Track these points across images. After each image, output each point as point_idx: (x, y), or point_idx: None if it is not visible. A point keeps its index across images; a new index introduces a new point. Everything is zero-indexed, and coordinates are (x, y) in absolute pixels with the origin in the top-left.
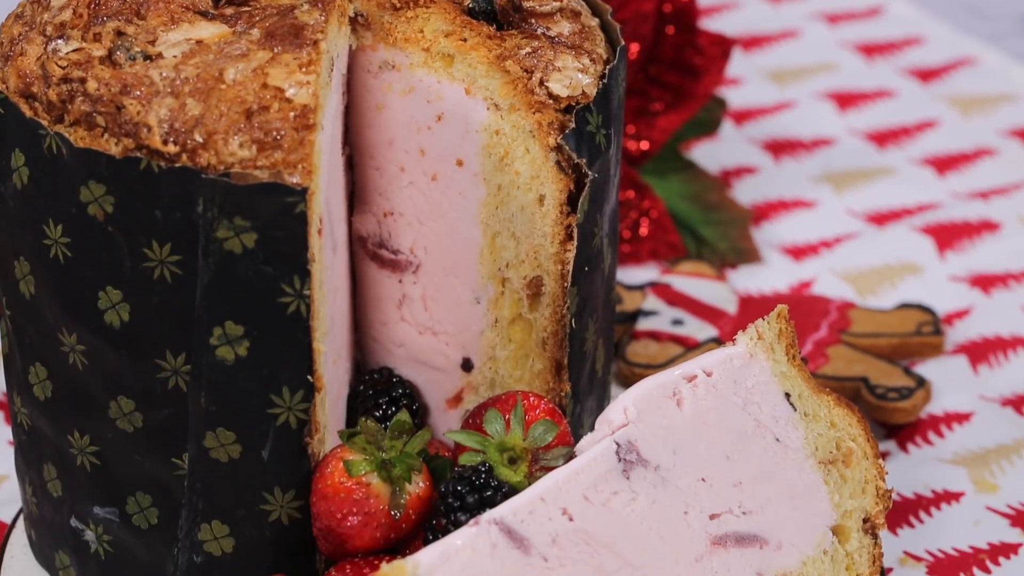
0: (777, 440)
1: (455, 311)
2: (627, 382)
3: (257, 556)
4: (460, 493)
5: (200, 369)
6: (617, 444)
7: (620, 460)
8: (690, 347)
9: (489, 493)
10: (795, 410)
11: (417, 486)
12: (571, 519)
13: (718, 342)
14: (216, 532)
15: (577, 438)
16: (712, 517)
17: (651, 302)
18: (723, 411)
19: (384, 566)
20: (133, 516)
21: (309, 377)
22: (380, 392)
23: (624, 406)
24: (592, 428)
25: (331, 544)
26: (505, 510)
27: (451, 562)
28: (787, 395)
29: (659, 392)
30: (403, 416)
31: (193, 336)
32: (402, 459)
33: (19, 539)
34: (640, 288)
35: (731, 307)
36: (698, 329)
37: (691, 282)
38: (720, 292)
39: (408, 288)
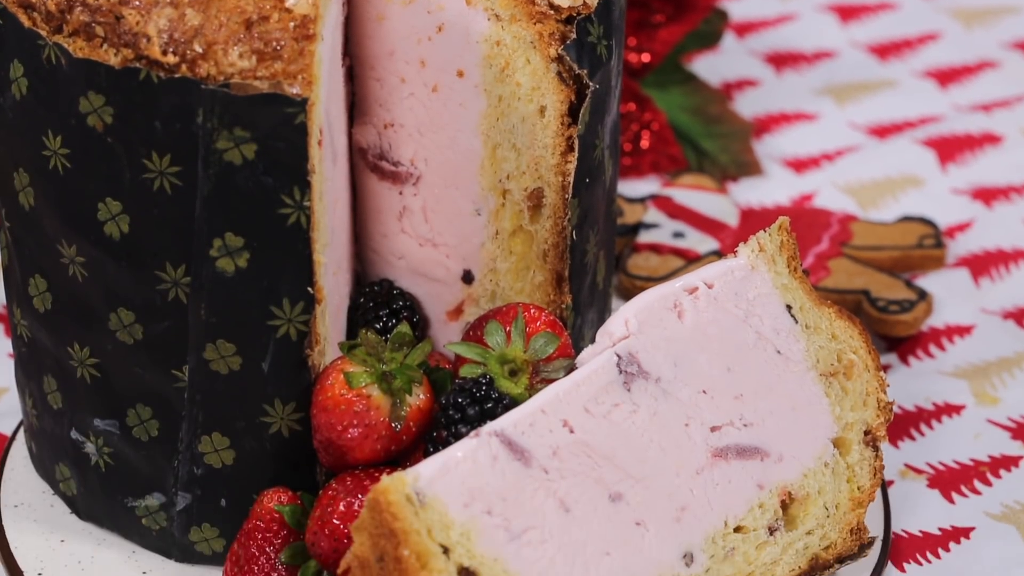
0: (778, 352)
1: (456, 223)
2: (628, 295)
3: (257, 468)
4: (461, 405)
5: (200, 281)
6: (618, 356)
7: (621, 372)
8: (691, 260)
9: (490, 405)
10: (796, 322)
11: (418, 398)
12: (572, 431)
13: (719, 255)
14: (216, 444)
15: (578, 350)
16: (713, 429)
17: (652, 215)
18: (724, 323)
19: (384, 478)
20: (133, 428)
21: (309, 289)
22: (380, 304)
23: (625, 318)
24: (593, 340)
25: (331, 456)
26: (506, 422)
27: (451, 474)
28: (788, 307)
29: (660, 304)
30: (403, 328)
31: (193, 248)
32: (402, 371)
33: (19, 451)
34: (641, 201)
35: (732, 220)
36: (699, 242)
37: (692, 195)
38: (721, 205)
39: (408, 200)
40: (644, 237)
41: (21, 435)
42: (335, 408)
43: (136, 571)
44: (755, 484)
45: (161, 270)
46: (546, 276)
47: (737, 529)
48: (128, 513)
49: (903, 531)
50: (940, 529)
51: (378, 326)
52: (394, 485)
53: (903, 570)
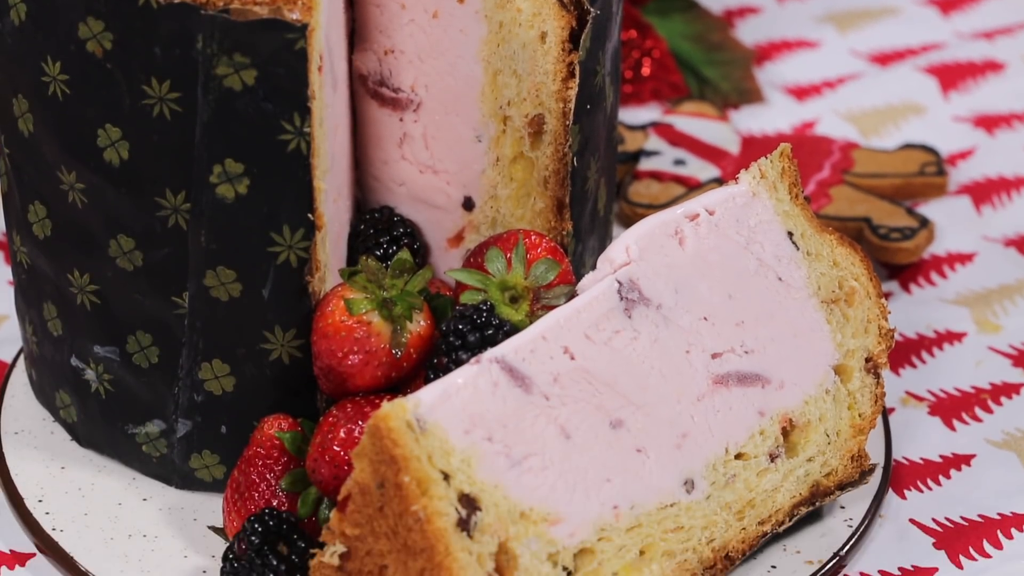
0: (779, 279)
1: (456, 149)
2: (628, 222)
3: (258, 395)
4: (461, 332)
5: (200, 207)
6: (619, 283)
7: (622, 299)
8: (692, 187)
9: (490, 332)
10: (798, 249)
11: (418, 324)
12: (573, 358)
13: (720, 182)
14: (217, 371)
15: (579, 277)
16: (714, 356)
17: (653, 142)
18: (725, 250)
19: (385, 405)
20: (133, 355)
21: (309, 215)
22: (381, 231)
23: (626, 244)
24: (594, 267)
25: (332, 383)
26: (506, 348)
27: (452, 400)
28: (790, 234)
29: (661, 230)
30: (404, 255)
31: (193, 174)
32: (403, 297)
33: (19, 379)
34: (642, 128)
35: (733, 147)
36: (700, 169)
37: (693, 122)
38: (722, 132)
39: (409, 126)
40: (645, 164)
41: (21, 362)
42: (335, 335)
43: (136, 498)
44: (756, 411)
45: (161, 196)
46: (547, 203)
47: (738, 456)
48: (128, 440)
49: (904, 458)
50: (941, 456)
51: (378, 253)
52: (394, 411)
53: (904, 497)
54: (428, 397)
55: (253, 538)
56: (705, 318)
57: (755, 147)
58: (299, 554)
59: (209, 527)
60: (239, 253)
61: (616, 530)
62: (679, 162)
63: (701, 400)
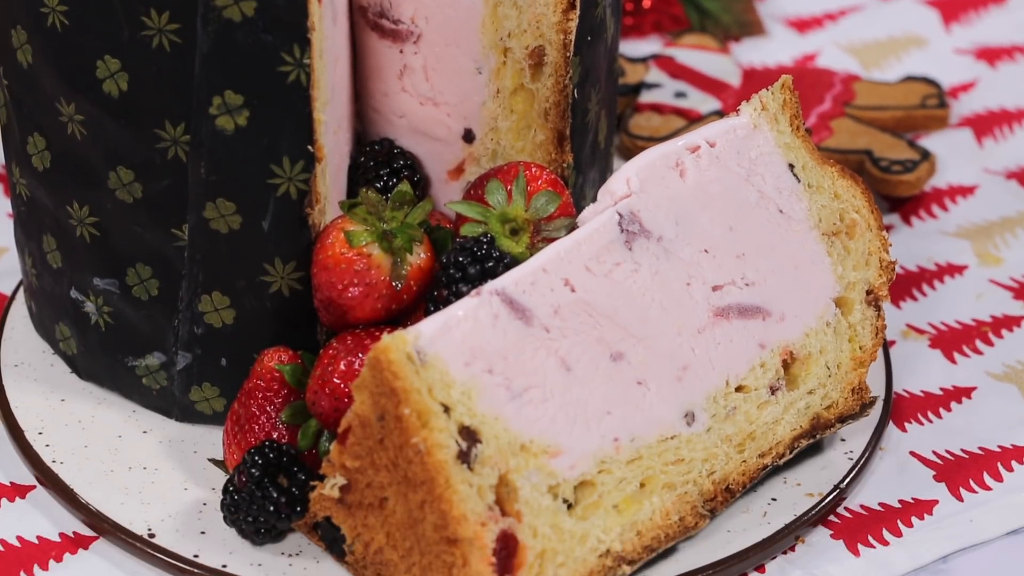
0: (780, 211)
1: (456, 81)
2: (629, 155)
3: (258, 328)
4: (462, 264)
5: (200, 139)
6: (619, 215)
7: (623, 231)
8: (693, 120)
9: (491, 264)
10: (799, 181)
11: (418, 257)
12: (573, 290)
13: (721, 115)
14: (216, 303)
15: (579, 210)
16: (715, 288)
17: (654, 75)
18: (726, 182)
19: (385, 336)
20: (133, 287)
21: (309, 147)
22: (381, 163)
23: (626, 176)
24: (594, 200)
25: (332, 315)
26: (507, 281)
27: (452, 332)
28: (791, 166)
29: (662, 163)
30: (404, 187)
31: (192, 106)
32: (403, 230)
33: (19, 311)
34: (643, 60)
35: (734, 80)
36: (701, 102)
37: (694, 55)
38: (723, 65)
39: (409, 58)
40: (646, 97)
41: (21, 295)
42: (335, 267)
43: (136, 431)
44: (756, 343)
45: (160, 128)
46: (547, 135)
47: (739, 388)
48: (128, 372)
49: (904, 391)
50: (941, 389)
51: (378, 185)
52: (394, 344)
53: (904, 430)
54: (428, 329)
55: (253, 470)
56: (706, 250)
57: (756, 79)
58: (299, 486)
59: (209, 459)
60: (239, 185)
61: (616, 462)
62: (680, 95)
63: (702, 332)
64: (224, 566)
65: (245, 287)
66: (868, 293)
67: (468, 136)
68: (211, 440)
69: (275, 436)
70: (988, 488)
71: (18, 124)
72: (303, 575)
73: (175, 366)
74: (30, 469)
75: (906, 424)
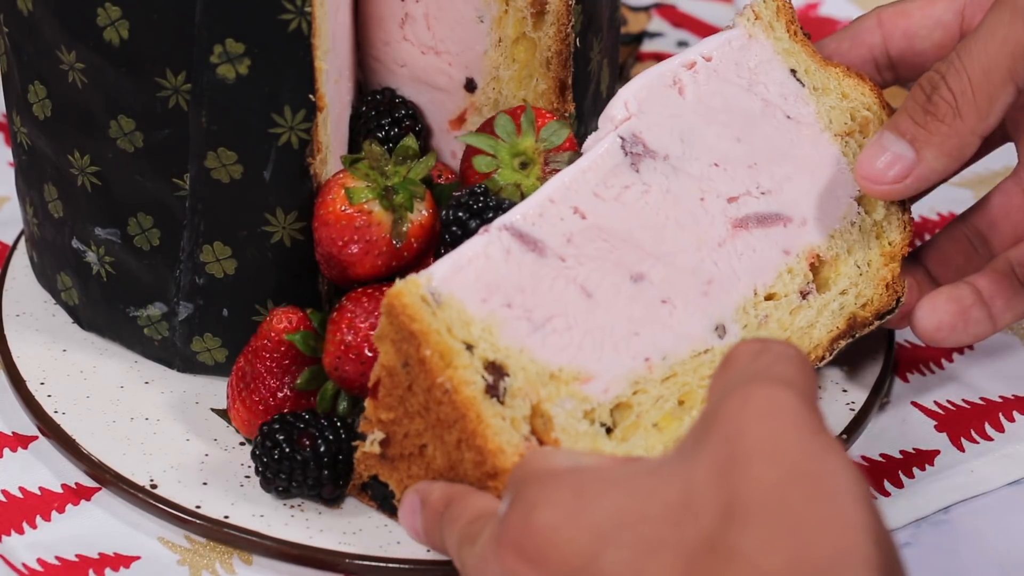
0: (788, 117)
1: (458, 30)
2: None
3: (259, 278)
4: (461, 220)
5: (201, 88)
6: (622, 138)
7: (627, 154)
8: None
9: (490, 215)
10: (803, 85)
11: (419, 214)
12: (584, 217)
13: None
14: (218, 253)
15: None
16: (730, 200)
17: (656, 23)
18: (728, 94)
19: (397, 282)
20: (134, 237)
21: (311, 96)
22: (383, 113)
23: (624, 100)
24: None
25: (333, 270)
26: (514, 215)
27: (465, 271)
28: (793, 71)
29: (659, 82)
30: (408, 141)
31: (193, 54)
32: (405, 186)
33: (20, 261)
34: (645, 9)
35: None
36: None
37: (697, 3)
38: (725, 13)
39: (410, 7)
40: (648, 46)
41: (22, 245)
42: (336, 223)
43: (139, 381)
44: (781, 250)
45: (161, 77)
46: (549, 84)
47: (768, 297)
48: (130, 323)
49: (906, 342)
50: None
51: (380, 135)
52: (407, 288)
53: (906, 380)
54: (440, 270)
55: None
56: (716, 164)
57: None
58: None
59: (212, 409)
60: (240, 134)
61: (651, 382)
62: (682, 43)
63: (722, 245)
64: (226, 517)
65: (246, 237)
66: None
67: (470, 85)
68: (213, 391)
69: (280, 396)
70: (989, 439)
71: (19, 72)
72: (304, 526)
73: (177, 316)
74: (32, 419)
75: (908, 375)
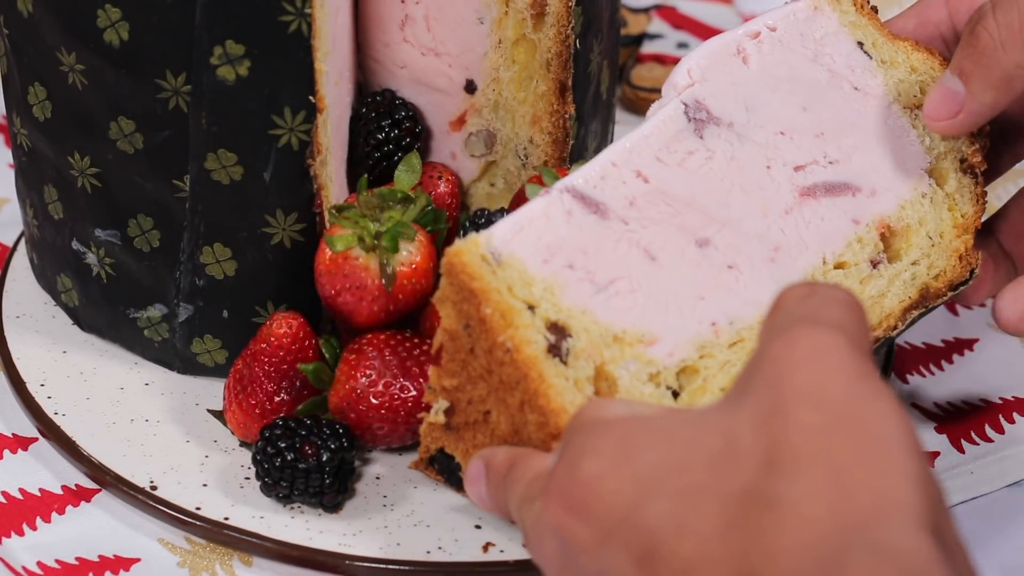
0: (855, 89)
1: (458, 32)
2: (631, 106)
3: (259, 279)
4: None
5: (201, 89)
6: (685, 104)
7: (690, 120)
8: None
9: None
10: (871, 58)
11: (409, 255)
12: (647, 181)
13: None
14: (218, 255)
15: (581, 159)
16: (797, 169)
17: (656, 25)
18: (793, 64)
19: (457, 241)
20: (135, 239)
21: (311, 97)
22: (383, 114)
23: (687, 68)
24: (597, 151)
25: (340, 321)
26: (575, 178)
27: (525, 232)
28: (860, 44)
29: (723, 51)
30: (401, 180)
31: (193, 56)
32: (389, 228)
33: (21, 262)
34: (645, 11)
35: None
36: None
37: (696, 5)
38: (725, 15)
39: (411, 8)
40: (648, 48)
41: (22, 246)
42: (326, 272)
43: (139, 382)
44: (850, 220)
45: (161, 78)
46: (549, 85)
47: (838, 266)
48: (130, 324)
49: (906, 343)
50: (943, 341)
51: (380, 136)
52: (467, 246)
53: (906, 382)
54: (500, 230)
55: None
56: (782, 132)
57: None
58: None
59: (209, 411)
60: (240, 136)
61: (717, 346)
62: (682, 45)
63: (789, 213)
64: (226, 518)
65: (246, 238)
66: (962, 162)
67: (470, 87)
68: (213, 392)
69: (277, 401)
70: (989, 440)
71: (19, 74)
72: (304, 527)
73: (177, 318)
74: (32, 421)
75: (908, 376)
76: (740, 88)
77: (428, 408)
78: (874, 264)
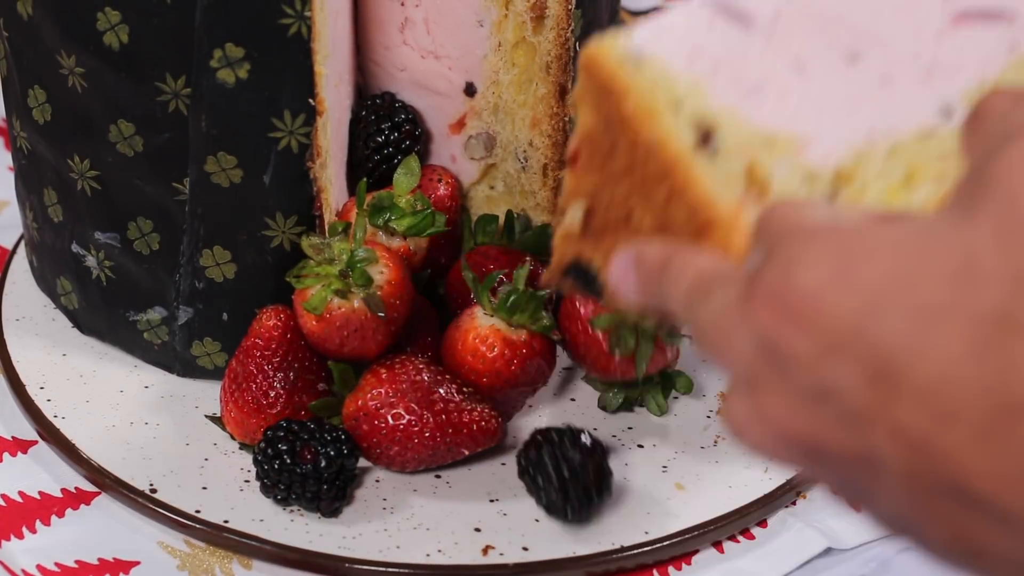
0: None
1: (458, 34)
2: None
3: (259, 282)
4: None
5: (200, 92)
6: None
7: None
8: None
9: None
10: None
11: (382, 275)
12: None
13: None
14: (218, 258)
15: None
16: None
17: None
18: None
19: (594, 40)
20: (134, 242)
21: (310, 100)
22: (382, 117)
23: None
24: None
25: (351, 362)
26: None
27: (665, 35)
28: None
29: None
30: (398, 187)
31: (193, 58)
32: (353, 263)
33: (20, 265)
34: (645, 13)
35: None
36: None
37: None
38: None
39: (410, 11)
40: None
41: (22, 249)
42: (322, 334)
43: (138, 385)
44: (1007, 47)
45: (161, 81)
46: (549, 88)
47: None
48: (130, 327)
49: None
50: None
51: (379, 139)
52: (606, 43)
53: None
54: (639, 32)
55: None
56: None
57: None
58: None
59: (207, 416)
60: (240, 138)
61: (874, 155)
62: None
63: (942, 35)
64: (226, 521)
65: (246, 241)
66: None
67: (469, 90)
68: (213, 395)
69: (272, 395)
70: None
71: (18, 76)
72: (304, 530)
73: (176, 320)
74: (31, 424)
75: None
76: None
77: (563, 213)
78: None
